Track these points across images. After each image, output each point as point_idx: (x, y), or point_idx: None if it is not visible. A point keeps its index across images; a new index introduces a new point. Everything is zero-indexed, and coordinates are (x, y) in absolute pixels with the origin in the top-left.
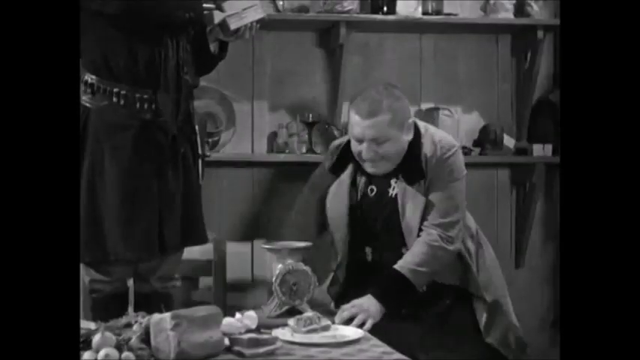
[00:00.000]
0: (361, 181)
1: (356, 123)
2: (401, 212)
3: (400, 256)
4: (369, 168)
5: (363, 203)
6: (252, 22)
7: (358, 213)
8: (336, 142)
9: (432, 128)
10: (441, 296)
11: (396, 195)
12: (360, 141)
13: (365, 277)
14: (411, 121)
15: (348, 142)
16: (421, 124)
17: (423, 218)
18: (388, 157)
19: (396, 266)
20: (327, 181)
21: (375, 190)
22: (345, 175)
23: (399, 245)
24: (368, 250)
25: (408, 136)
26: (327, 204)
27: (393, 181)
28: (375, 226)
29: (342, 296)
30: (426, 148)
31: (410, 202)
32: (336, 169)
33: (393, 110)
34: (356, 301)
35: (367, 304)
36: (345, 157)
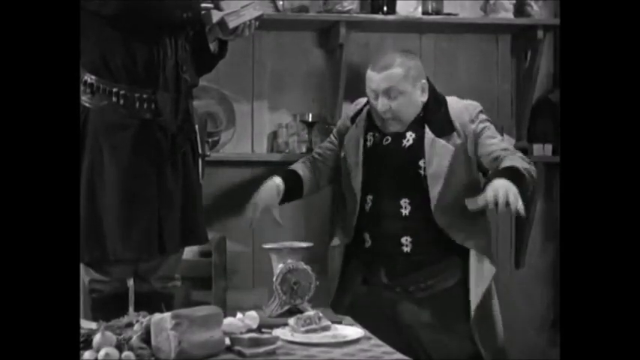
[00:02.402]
0: (376, 135)
1: (371, 77)
2: (428, 160)
3: (399, 206)
4: (383, 126)
5: (377, 150)
6: (250, 20)
7: (372, 158)
8: (361, 99)
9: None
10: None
11: (410, 146)
12: (376, 95)
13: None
14: (424, 82)
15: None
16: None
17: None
18: (401, 113)
19: (505, 166)
20: (344, 131)
21: (389, 140)
22: (361, 120)
23: (402, 195)
24: (369, 198)
25: (423, 97)
26: (343, 150)
27: (408, 134)
28: (385, 173)
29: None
30: (453, 105)
31: (437, 151)
32: (354, 119)
33: (406, 66)
34: (489, 186)
35: (501, 183)
36: (363, 112)
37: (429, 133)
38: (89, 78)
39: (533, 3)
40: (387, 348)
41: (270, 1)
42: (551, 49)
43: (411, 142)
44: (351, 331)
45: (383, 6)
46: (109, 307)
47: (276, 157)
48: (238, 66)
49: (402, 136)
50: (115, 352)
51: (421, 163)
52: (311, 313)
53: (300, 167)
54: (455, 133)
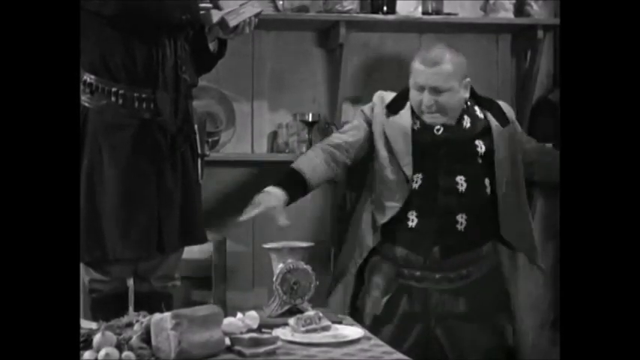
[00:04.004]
0: (423, 119)
1: (420, 71)
2: (497, 147)
3: (454, 182)
4: (427, 118)
5: (427, 132)
6: (250, 17)
7: (422, 141)
8: (382, 93)
9: None
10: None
11: (468, 127)
12: (422, 89)
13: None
14: (468, 80)
15: (402, 90)
16: None
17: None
18: (446, 108)
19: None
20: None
21: (441, 129)
22: (405, 111)
23: (457, 172)
24: (417, 177)
25: (466, 94)
26: (382, 136)
27: (466, 117)
28: (438, 153)
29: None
30: (502, 104)
31: (502, 138)
32: (393, 108)
33: (455, 63)
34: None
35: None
36: (402, 98)
37: (491, 119)
38: (88, 78)
39: (533, 3)
40: (387, 348)
41: (270, 1)
42: (551, 49)
43: (468, 124)
44: (351, 331)
45: (383, 6)
46: (109, 307)
47: (276, 157)
48: (238, 66)
49: (461, 120)
50: (115, 352)
51: (477, 142)
52: (311, 313)
53: (306, 162)
54: (510, 125)
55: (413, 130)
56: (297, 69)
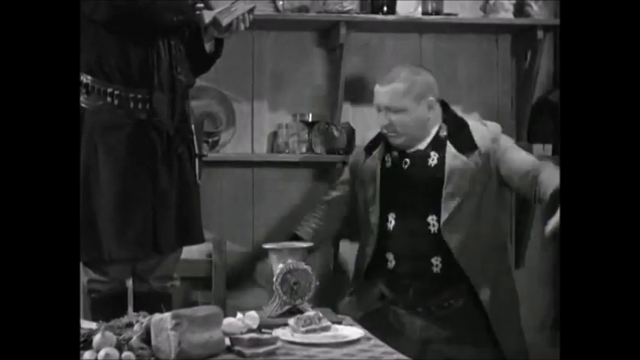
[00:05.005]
0: (394, 154)
1: (375, 91)
2: (447, 178)
3: (426, 224)
4: (390, 140)
5: (397, 171)
6: (243, 14)
7: (392, 179)
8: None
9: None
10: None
11: (435, 165)
12: (379, 109)
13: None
14: (432, 99)
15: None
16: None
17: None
18: (402, 129)
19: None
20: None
21: (408, 162)
22: (377, 151)
23: (428, 212)
24: (391, 216)
25: (430, 114)
26: (358, 181)
27: (432, 153)
28: (408, 193)
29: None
30: (474, 126)
31: (458, 167)
32: (370, 148)
33: (411, 81)
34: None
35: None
36: (377, 138)
37: (451, 149)
38: (85, 78)
39: (533, 3)
40: (387, 348)
41: (270, 1)
42: (551, 49)
43: (435, 161)
44: (351, 331)
45: (383, 6)
46: (109, 307)
47: (276, 157)
48: (238, 66)
49: (427, 155)
50: (115, 352)
51: (447, 179)
52: (311, 313)
53: (305, 230)
54: (477, 152)
55: (384, 169)
56: (297, 69)
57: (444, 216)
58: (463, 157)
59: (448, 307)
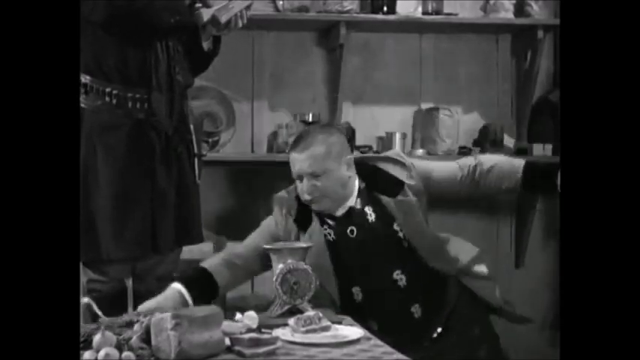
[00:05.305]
0: (335, 226)
1: (294, 159)
2: (402, 222)
3: (394, 281)
4: (315, 207)
5: (344, 240)
6: (241, 10)
7: (341, 252)
8: (280, 194)
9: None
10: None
11: (376, 217)
12: (301, 178)
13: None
14: (349, 157)
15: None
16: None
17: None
18: (327, 192)
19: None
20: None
21: (355, 230)
22: (314, 224)
23: (392, 269)
24: (356, 290)
25: (349, 172)
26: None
27: (366, 209)
28: (364, 258)
29: None
30: (387, 167)
31: (404, 209)
32: (302, 224)
33: (328, 143)
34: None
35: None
36: (304, 209)
37: (380, 197)
38: (83, 78)
39: (533, 3)
40: (387, 348)
41: (270, 1)
42: (551, 49)
43: (373, 217)
44: (351, 331)
45: (383, 6)
46: (108, 307)
47: (276, 157)
48: (238, 66)
49: (363, 213)
50: (115, 352)
51: (395, 226)
52: (311, 313)
53: (214, 265)
54: (405, 187)
55: (329, 242)
56: (297, 69)
57: (410, 266)
58: (400, 197)
59: (439, 336)
